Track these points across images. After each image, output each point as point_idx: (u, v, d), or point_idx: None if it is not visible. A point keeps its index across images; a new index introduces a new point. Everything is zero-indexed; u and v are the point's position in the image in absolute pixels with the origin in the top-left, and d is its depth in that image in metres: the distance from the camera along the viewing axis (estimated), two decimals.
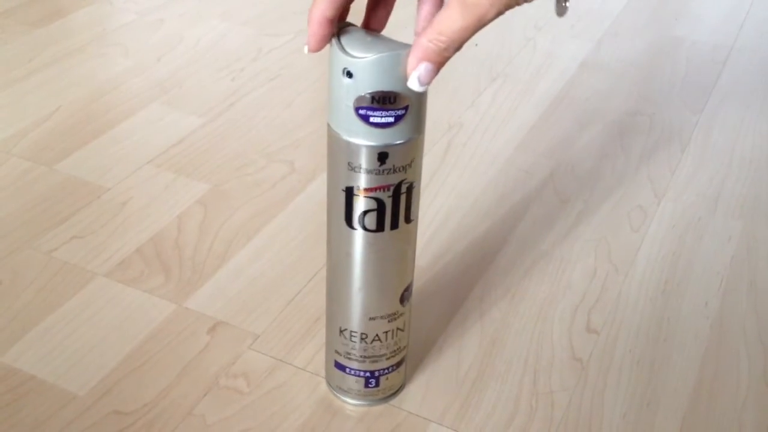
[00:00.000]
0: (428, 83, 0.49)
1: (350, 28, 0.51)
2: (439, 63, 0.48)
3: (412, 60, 0.48)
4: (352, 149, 0.52)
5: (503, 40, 1.14)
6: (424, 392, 0.64)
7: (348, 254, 0.56)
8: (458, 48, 0.48)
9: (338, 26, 0.51)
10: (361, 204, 0.54)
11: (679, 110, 1.01)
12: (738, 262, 0.78)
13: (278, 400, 0.63)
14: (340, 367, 0.61)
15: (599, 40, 1.15)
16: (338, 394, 0.63)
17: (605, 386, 0.66)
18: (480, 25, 0.47)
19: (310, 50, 0.51)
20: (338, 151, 0.53)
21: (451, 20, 0.47)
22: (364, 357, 0.60)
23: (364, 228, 0.55)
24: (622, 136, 0.96)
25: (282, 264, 0.76)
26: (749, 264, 0.78)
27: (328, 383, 0.64)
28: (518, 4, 0.47)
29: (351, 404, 0.63)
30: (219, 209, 0.82)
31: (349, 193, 0.54)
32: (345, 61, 0.49)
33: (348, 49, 0.49)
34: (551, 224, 0.82)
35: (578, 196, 0.86)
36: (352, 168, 0.53)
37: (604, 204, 0.85)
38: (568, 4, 0.51)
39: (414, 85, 0.49)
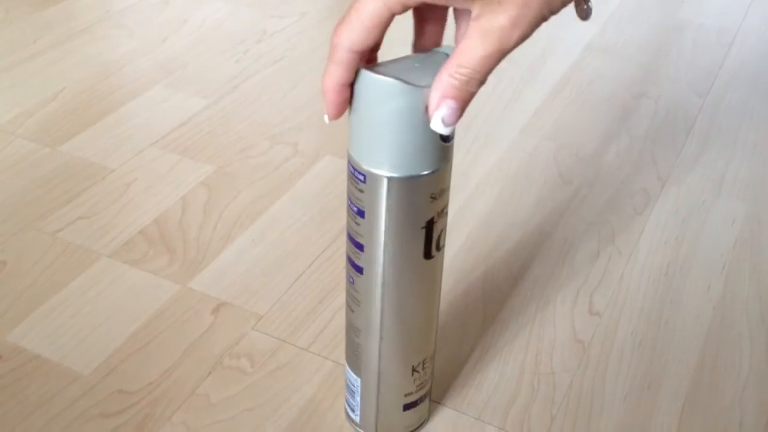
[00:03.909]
0: (454, 124, 0.45)
1: (375, 67, 0.46)
2: (464, 100, 0.44)
3: (434, 98, 0.44)
4: (435, 179, 0.49)
5: None
6: None
7: (426, 285, 0.53)
8: (483, 80, 0.44)
9: (366, 70, 0.46)
10: (438, 228, 0.51)
11: (684, 93, 1.01)
12: (741, 246, 0.78)
13: (281, 379, 0.64)
14: (411, 405, 0.58)
15: (605, 23, 1.15)
16: None
17: (607, 368, 0.66)
18: (503, 52, 0.43)
19: (330, 119, 0.47)
20: (418, 193, 0.49)
21: (471, 49, 0.43)
22: (431, 373, 0.58)
23: (439, 248, 0.52)
24: (627, 119, 0.96)
25: (285, 245, 0.76)
26: (752, 247, 0.78)
27: None
28: (545, 20, 0.43)
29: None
30: (223, 191, 0.82)
31: (430, 224, 0.50)
32: (421, 96, 0.45)
33: (416, 83, 0.45)
34: (555, 206, 0.82)
35: (582, 179, 0.86)
36: (434, 197, 0.49)
37: (608, 187, 0.85)
38: (590, 4, 0.48)
39: (438, 127, 0.44)
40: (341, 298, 0.71)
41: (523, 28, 0.43)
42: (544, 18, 0.43)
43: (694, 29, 1.15)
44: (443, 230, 0.52)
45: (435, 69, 0.45)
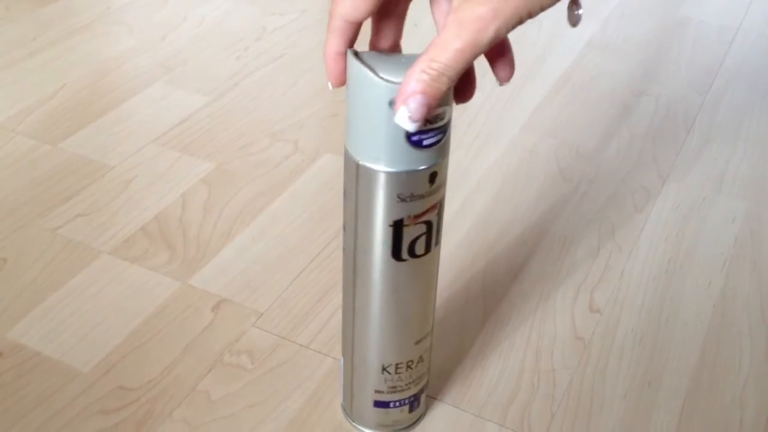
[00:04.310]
0: (419, 120, 0.43)
1: (364, 53, 0.47)
2: (432, 96, 0.43)
3: (402, 91, 0.43)
4: (402, 179, 0.47)
5: None
6: None
7: (396, 287, 0.52)
8: (454, 77, 0.43)
9: (354, 53, 0.47)
10: (411, 233, 0.50)
11: (685, 91, 1.01)
12: (742, 243, 0.78)
13: (282, 376, 0.64)
14: (383, 404, 0.57)
15: (605, 20, 1.15)
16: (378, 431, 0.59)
17: (607, 365, 0.66)
18: (478, 46, 0.42)
19: (333, 86, 0.48)
20: (384, 187, 0.48)
21: (446, 42, 0.42)
22: (410, 383, 0.57)
23: (414, 256, 0.51)
24: (627, 117, 0.96)
25: (285, 243, 0.76)
26: (753, 244, 0.78)
27: (363, 426, 0.59)
28: (521, 22, 0.42)
29: None
30: (223, 188, 0.82)
31: (398, 225, 0.49)
32: (391, 91, 0.44)
33: (386, 76, 0.45)
34: (555, 204, 0.82)
35: (582, 176, 0.86)
36: (403, 198, 0.48)
37: (609, 184, 0.85)
38: (581, 11, 0.47)
39: (403, 122, 0.43)
40: (341, 295, 0.70)
41: (499, 23, 0.42)
42: (521, 19, 0.42)
43: (695, 27, 1.15)
44: (422, 238, 0.50)
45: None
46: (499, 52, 0.48)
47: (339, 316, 0.69)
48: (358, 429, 0.60)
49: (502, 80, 0.49)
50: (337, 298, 0.70)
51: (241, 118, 0.92)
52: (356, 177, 0.49)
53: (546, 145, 0.90)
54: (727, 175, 0.87)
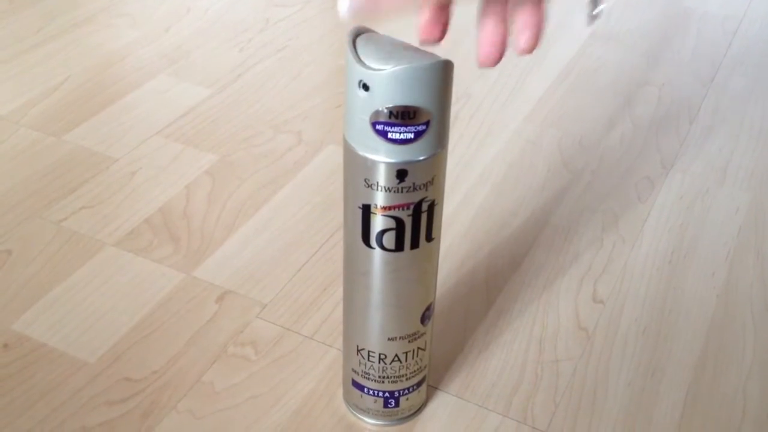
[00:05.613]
0: (356, 10, 0.41)
1: (371, 34, 0.47)
2: None
3: None
4: (368, 165, 0.48)
5: None
6: (430, 360, 0.65)
7: (365, 273, 0.53)
8: None
9: (356, 32, 0.46)
10: (378, 222, 0.50)
11: (689, 81, 1.01)
12: (745, 233, 0.78)
13: (286, 367, 0.64)
14: (358, 386, 0.58)
15: (609, 11, 1.15)
16: (356, 413, 0.60)
17: (610, 356, 0.66)
18: None
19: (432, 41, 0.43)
20: (354, 166, 0.49)
21: None
22: (383, 377, 0.57)
23: (382, 247, 0.51)
24: (631, 107, 0.95)
25: (289, 234, 0.76)
26: (756, 235, 0.78)
27: (346, 401, 0.61)
28: None
29: (369, 423, 0.60)
30: (227, 180, 0.82)
31: (366, 210, 0.50)
32: (361, 73, 0.45)
33: (365, 60, 0.45)
34: (558, 195, 0.82)
35: (586, 167, 0.86)
36: (369, 185, 0.49)
37: (612, 175, 0.85)
38: (597, 10, 0.44)
39: (342, 3, 0.41)
40: None
41: None
42: None
43: (699, 17, 1.14)
44: (391, 233, 0.50)
45: (402, 61, 0.45)
46: (528, 18, 0.43)
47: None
48: (344, 402, 0.61)
49: (522, 50, 0.44)
50: (341, 289, 0.70)
51: (245, 110, 0.92)
52: (344, 150, 0.50)
53: (549, 136, 0.90)
54: (731, 165, 0.87)
